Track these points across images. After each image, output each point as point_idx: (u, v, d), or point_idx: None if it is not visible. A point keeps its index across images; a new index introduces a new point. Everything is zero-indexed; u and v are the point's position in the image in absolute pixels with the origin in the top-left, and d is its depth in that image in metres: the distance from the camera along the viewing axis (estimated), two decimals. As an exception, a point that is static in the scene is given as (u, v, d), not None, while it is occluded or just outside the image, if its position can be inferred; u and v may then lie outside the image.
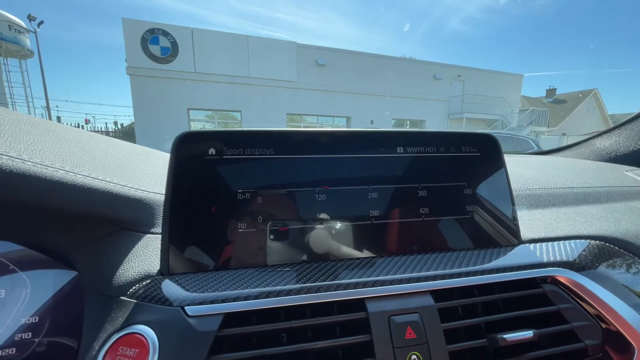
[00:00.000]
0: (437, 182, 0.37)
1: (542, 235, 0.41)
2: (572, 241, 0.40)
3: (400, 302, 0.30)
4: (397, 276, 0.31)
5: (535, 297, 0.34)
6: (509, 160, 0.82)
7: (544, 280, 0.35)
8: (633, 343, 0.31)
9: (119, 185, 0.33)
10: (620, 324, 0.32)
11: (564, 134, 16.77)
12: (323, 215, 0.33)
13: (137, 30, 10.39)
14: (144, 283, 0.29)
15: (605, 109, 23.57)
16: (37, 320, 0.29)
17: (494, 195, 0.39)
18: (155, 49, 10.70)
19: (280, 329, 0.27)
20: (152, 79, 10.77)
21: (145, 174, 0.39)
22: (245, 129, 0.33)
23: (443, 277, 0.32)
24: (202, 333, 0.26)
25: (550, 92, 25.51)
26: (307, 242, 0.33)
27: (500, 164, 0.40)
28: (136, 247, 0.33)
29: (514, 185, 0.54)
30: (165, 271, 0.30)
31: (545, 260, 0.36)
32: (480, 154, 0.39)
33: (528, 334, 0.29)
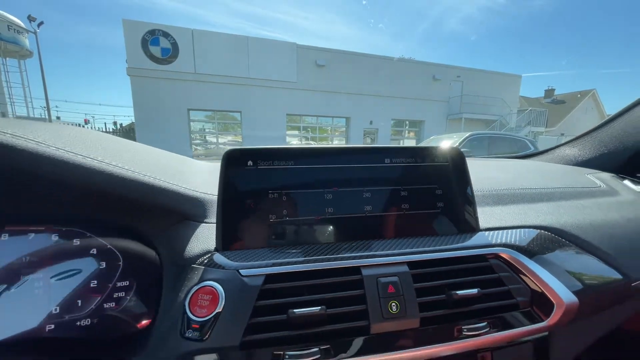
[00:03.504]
0: (414, 185, 0.47)
1: (497, 225, 0.50)
2: (518, 229, 0.50)
3: (385, 269, 0.40)
4: (383, 252, 0.42)
5: (483, 268, 0.44)
6: (490, 164, 0.90)
7: (491, 256, 0.45)
8: (553, 300, 0.42)
9: (183, 188, 0.45)
10: (544, 287, 0.43)
11: (562, 134, 16.83)
12: (330, 209, 0.44)
13: (137, 31, 10.44)
14: (207, 255, 0.40)
15: (603, 109, 23.67)
16: (128, 284, 0.40)
17: (458, 195, 0.49)
18: (155, 50, 10.75)
19: (303, 285, 0.38)
20: (152, 80, 10.82)
21: (196, 178, 0.53)
22: (273, 146, 0.44)
23: (415, 253, 0.43)
24: (252, 286, 0.37)
25: (549, 92, 25.59)
26: (319, 228, 0.44)
27: (464, 171, 0.49)
28: (196, 232, 0.44)
29: (484, 186, 0.61)
30: (219, 248, 0.41)
31: (493, 242, 0.46)
32: (448, 164, 0.49)
33: (473, 291, 0.40)
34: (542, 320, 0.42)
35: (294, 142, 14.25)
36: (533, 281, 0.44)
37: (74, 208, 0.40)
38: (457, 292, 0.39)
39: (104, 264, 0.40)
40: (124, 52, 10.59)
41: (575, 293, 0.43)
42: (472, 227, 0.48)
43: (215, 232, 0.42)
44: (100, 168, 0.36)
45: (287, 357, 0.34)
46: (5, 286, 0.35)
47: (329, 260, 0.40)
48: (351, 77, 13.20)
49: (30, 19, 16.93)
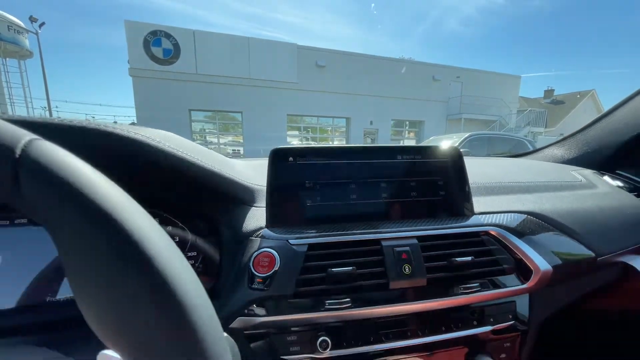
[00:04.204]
0: (421, 177, 0.58)
1: (487, 210, 0.61)
2: (505, 214, 0.60)
3: (399, 242, 0.51)
4: (397, 229, 0.53)
5: (476, 242, 0.55)
6: (486, 162, 1.01)
7: (483, 233, 0.57)
8: (531, 267, 0.54)
9: (243, 180, 0.55)
10: (524, 257, 0.55)
11: (561, 135, 16.84)
12: (354, 196, 0.55)
13: (139, 32, 10.53)
14: (260, 230, 0.51)
15: (602, 109, 23.70)
16: (195, 254, 0.52)
17: (457, 185, 0.60)
18: (157, 51, 10.84)
19: (337, 252, 0.49)
20: (154, 80, 10.90)
21: (246, 172, 0.63)
22: (309, 146, 0.55)
23: (422, 229, 0.54)
24: (299, 252, 0.47)
25: (548, 92, 25.71)
26: (345, 211, 0.54)
27: (462, 166, 0.60)
28: (249, 213, 0.54)
29: (478, 180, 0.73)
30: (269, 225, 0.51)
31: (484, 223, 0.57)
32: (449, 160, 0.60)
33: (468, 258, 0.51)
34: (523, 283, 0.53)
35: (295, 142, 14.36)
36: (516, 252, 0.55)
37: (161, 193, 0.50)
38: (456, 259, 0.50)
39: (177, 239, 0.51)
40: (124, 52, 10.67)
41: (551, 264, 0.54)
42: (467, 211, 0.59)
43: (264, 213, 0.52)
44: (195, 163, 0.46)
45: (327, 304, 0.45)
46: None
47: (354, 234, 0.51)
48: (351, 78, 13.29)
49: (32, 19, 17.01)
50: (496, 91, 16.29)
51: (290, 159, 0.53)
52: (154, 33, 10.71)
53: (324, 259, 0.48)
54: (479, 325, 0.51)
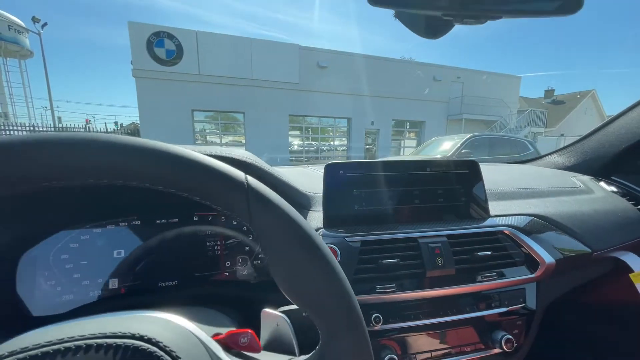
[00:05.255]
0: (446, 185, 0.69)
1: (501, 213, 0.72)
2: (516, 216, 0.72)
3: (432, 239, 0.62)
4: (429, 229, 0.64)
5: (493, 239, 0.67)
6: (495, 169, 1.13)
7: (499, 233, 0.68)
8: (538, 261, 0.65)
9: (301, 188, 0.67)
10: (532, 252, 0.65)
11: (562, 135, 17.05)
12: (392, 202, 0.66)
13: (142, 33, 10.61)
14: (319, 230, 0.61)
15: (603, 109, 23.90)
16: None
17: (475, 192, 0.71)
18: (160, 52, 10.92)
19: (384, 247, 0.61)
20: (157, 81, 10.98)
21: (300, 180, 0.73)
22: (355, 160, 0.66)
23: (450, 229, 0.65)
24: (354, 247, 0.59)
25: (549, 93, 25.85)
26: (387, 214, 0.65)
27: (479, 176, 0.72)
28: (307, 217, 0.64)
29: (491, 186, 0.85)
30: (326, 226, 0.62)
31: (499, 224, 0.69)
32: (468, 171, 0.72)
33: (487, 252, 0.63)
34: (532, 274, 0.65)
35: (296, 142, 14.48)
36: (525, 248, 0.66)
37: None
38: (478, 253, 0.62)
39: (251, 236, 0.62)
40: (124, 52, 10.74)
41: (555, 258, 0.66)
42: (485, 214, 0.70)
43: (320, 216, 0.63)
44: (278, 177, 0.60)
45: (377, 288, 0.57)
46: (199, 248, 0.58)
47: (396, 233, 0.62)
48: (352, 78, 13.38)
49: (35, 20, 17.09)
50: (497, 91, 16.41)
51: (341, 171, 0.65)
52: (157, 34, 10.79)
53: (374, 253, 0.60)
54: (497, 307, 0.63)
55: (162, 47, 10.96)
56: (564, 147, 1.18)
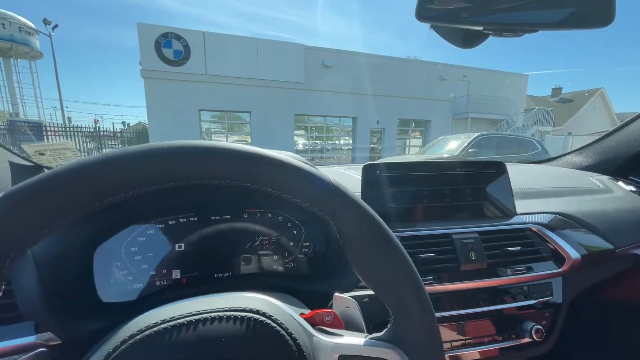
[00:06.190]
0: (475, 185, 0.74)
1: (527, 211, 0.76)
2: (542, 214, 0.76)
3: (465, 235, 0.66)
4: (462, 225, 0.68)
5: (521, 236, 0.70)
6: (515, 169, 1.18)
7: (526, 229, 0.71)
8: (564, 256, 0.69)
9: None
10: (559, 248, 0.69)
11: (570, 133, 16.84)
12: (426, 200, 0.70)
13: (151, 34, 10.75)
14: None
15: (612, 107, 23.53)
16: (308, 244, 0.66)
17: (502, 191, 0.75)
18: (168, 53, 11.06)
19: (421, 242, 0.64)
20: (165, 81, 11.13)
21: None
22: (389, 161, 0.70)
23: (481, 226, 0.69)
24: None
25: (556, 91, 25.51)
26: (420, 212, 0.69)
27: (506, 176, 0.76)
28: None
29: (515, 186, 0.88)
30: None
31: (526, 221, 0.73)
32: (495, 171, 0.76)
33: (516, 248, 0.67)
34: (558, 268, 0.69)
35: (301, 141, 14.54)
36: (552, 244, 0.70)
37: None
38: (508, 248, 0.66)
39: (295, 232, 0.66)
40: (131, 52, 10.88)
41: (580, 253, 0.69)
42: (512, 212, 0.74)
43: None
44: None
45: None
46: (249, 242, 0.63)
47: (432, 229, 0.67)
48: (358, 78, 13.37)
49: (46, 22, 17.38)
50: (503, 90, 16.27)
51: (377, 172, 0.69)
52: (165, 35, 10.92)
53: (412, 248, 0.64)
54: (525, 299, 0.67)
55: (170, 48, 11.09)
56: (581, 148, 1.21)
